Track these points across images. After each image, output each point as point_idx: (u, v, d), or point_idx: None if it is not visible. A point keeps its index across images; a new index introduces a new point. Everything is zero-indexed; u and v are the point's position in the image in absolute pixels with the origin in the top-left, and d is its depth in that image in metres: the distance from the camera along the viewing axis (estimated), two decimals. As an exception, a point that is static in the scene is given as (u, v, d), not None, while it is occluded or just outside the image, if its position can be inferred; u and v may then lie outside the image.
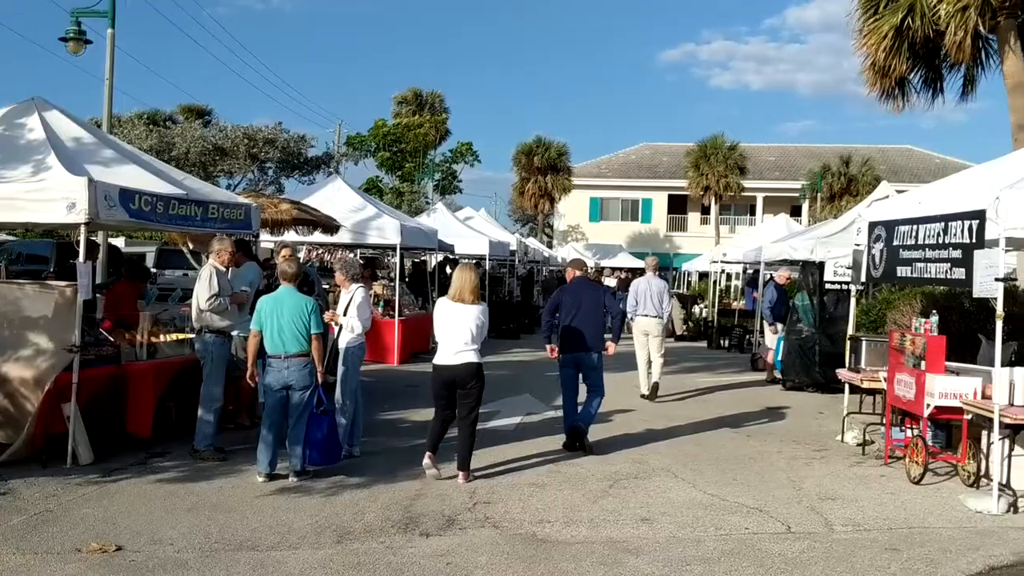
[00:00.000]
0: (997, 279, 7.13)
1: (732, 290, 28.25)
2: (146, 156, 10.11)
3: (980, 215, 7.33)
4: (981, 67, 17.09)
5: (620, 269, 33.43)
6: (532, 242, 34.16)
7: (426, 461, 7.66)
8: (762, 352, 16.53)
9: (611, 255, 41.07)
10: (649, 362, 13.03)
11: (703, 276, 32.85)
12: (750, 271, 23.17)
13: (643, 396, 12.83)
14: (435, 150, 49.89)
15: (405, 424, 10.11)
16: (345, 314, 8.30)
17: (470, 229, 22.85)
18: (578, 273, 9.60)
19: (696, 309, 27.02)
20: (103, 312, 9.64)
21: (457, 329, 7.56)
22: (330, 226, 13.75)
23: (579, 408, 9.30)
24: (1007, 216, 7.05)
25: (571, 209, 50.56)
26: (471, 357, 7.57)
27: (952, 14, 14.64)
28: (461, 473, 7.66)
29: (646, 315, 12.94)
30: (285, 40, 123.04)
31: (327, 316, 8.21)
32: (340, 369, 8.24)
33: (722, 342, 22.17)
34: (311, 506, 6.76)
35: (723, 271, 27.07)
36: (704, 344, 23.03)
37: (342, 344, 8.27)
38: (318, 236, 14.80)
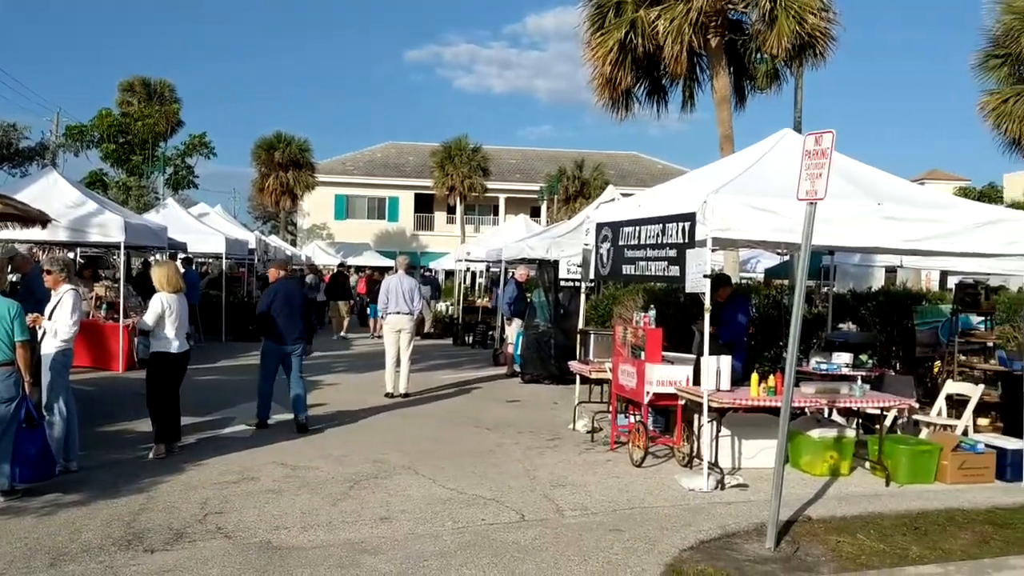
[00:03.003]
0: (705, 276, 7.81)
1: (477, 288, 28.94)
2: None
3: (691, 217, 7.98)
4: (697, 82, 18.71)
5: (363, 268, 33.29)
6: (274, 240, 33.13)
7: (161, 451, 8.44)
8: (504, 347, 17.06)
9: (358, 254, 40.79)
10: (397, 360, 13.03)
11: (449, 274, 33.42)
12: (494, 270, 23.84)
13: (388, 395, 12.80)
14: (166, 142, 46.96)
15: (130, 435, 9.44)
16: (50, 318, 7.64)
17: (205, 226, 21.73)
18: (282, 273, 10.62)
19: (441, 307, 27.43)
20: None
21: (184, 319, 8.65)
22: (42, 220, 12.50)
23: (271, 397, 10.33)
24: (713, 218, 7.73)
25: (316, 206, 49.65)
26: (188, 344, 8.81)
27: (669, 30, 15.89)
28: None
29: (398, 312, 12.95)
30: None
31: (30, 320, 7.48)
32: (45, 377, 7.56)
33: (467, 339, 22.66)
34: (21, 528, 6.15)
35: (468, 269, 27.66)
36: (450, 341, 23.42)
37: (45, 350, 7.63)
38: (28, 233, 13.44)
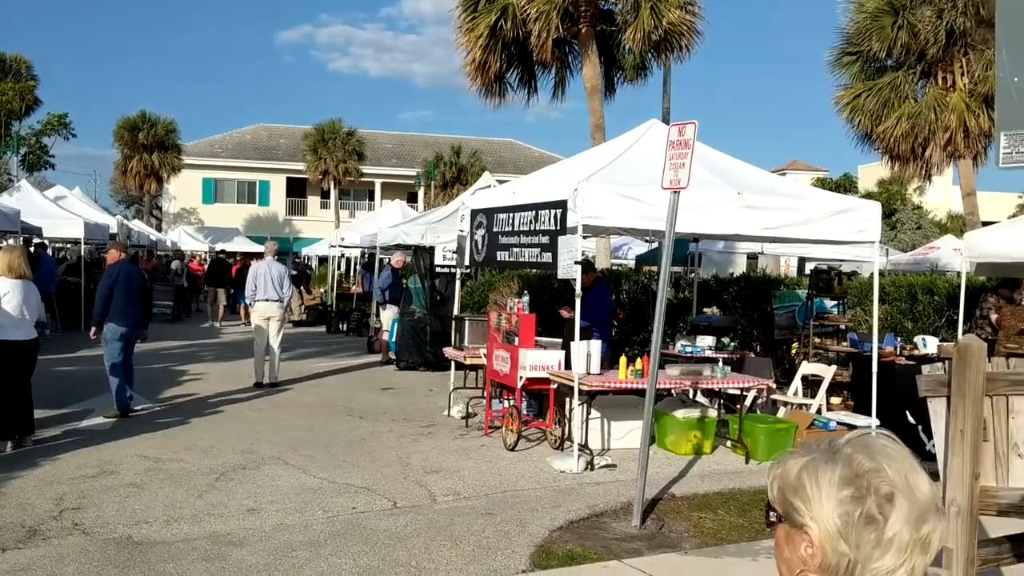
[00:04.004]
0: (576, 262, 7.95)
1: (352, 275, 28.55)
2: None
3: (563, 205, 8.10)
4: (569, 70, 18.95)
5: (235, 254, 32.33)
6: (138, 224, 31.74)
7: (3, 447, 8.04)
8: (379, 335, 16.92)
9: (227, 239, 39.56)
10: (268, 348, 12.73)
11: (323, 261, 32.86)
12: (367, 255, 23.60)
13: (258, 384, 12.50)
14: (20, 121, 44.30)
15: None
16: None
17: (62, 210, 20.64)
18: (122, 255, 10.42)
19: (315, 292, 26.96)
20: None
21: (30, 305, 8.25)
22: None
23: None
24: (584, 206, 7.88)
25: (183, 190, 47.84)
26: (35, 332, 8.40)
27: (538, 16, 16.03)
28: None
29: (267, 299, 12.64)
30: None
31: None
32: None
33: (341, 326, 22.34)
34: None
35: (343, 255, 27.24)
36: (323, 329, 23.05)
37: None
38: None
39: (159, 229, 44.33)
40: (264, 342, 12.67)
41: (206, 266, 29.70)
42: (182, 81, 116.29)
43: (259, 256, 16.34)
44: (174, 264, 26.32)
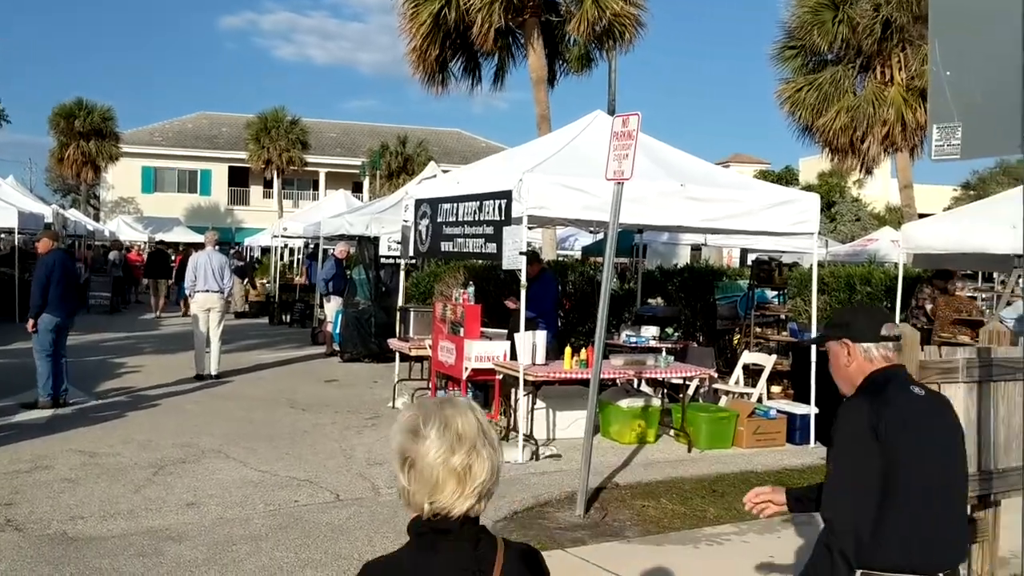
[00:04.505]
0: (521, 253, 7.96)
1: (296, 265, 28.19)
2: None
3: (507, 195, 8.09)
4: (512, 59, 18.93)
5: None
6: (74, 214, 30.96)
7: None
8: (323, 326, 16.74)
9: (168, 229, 38.82)
10: (208, 340, 12.51)
11: (266, 251, 32.41)
12: (311, 245, 23.35)
13: (198, 376, 12.29)
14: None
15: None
16: None
17: (-6, 198, 20.05)
18: (54, 244, 10.16)
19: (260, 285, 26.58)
20: None
21: None
22: None
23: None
24: (529, 196, 7.88)
25: (121, 179, 46.76)
26: None
27: (481, 7, 15.97)
28: None
29: (207, 290, 12.41)
30: None
31: None
32: None
33: (284, 318, 22.04)
34: None
35: (286, 246, 26.89)
36: (266, 320, 22.73)
37: None
38: None
39: (97, 219, 43.31)
40: (204, 333, 12.45)
41: (145, 256, 29.13)
42: (121, 67, 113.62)
43: (200, 247, 16.05)
44: (111, 255, 25.75)
